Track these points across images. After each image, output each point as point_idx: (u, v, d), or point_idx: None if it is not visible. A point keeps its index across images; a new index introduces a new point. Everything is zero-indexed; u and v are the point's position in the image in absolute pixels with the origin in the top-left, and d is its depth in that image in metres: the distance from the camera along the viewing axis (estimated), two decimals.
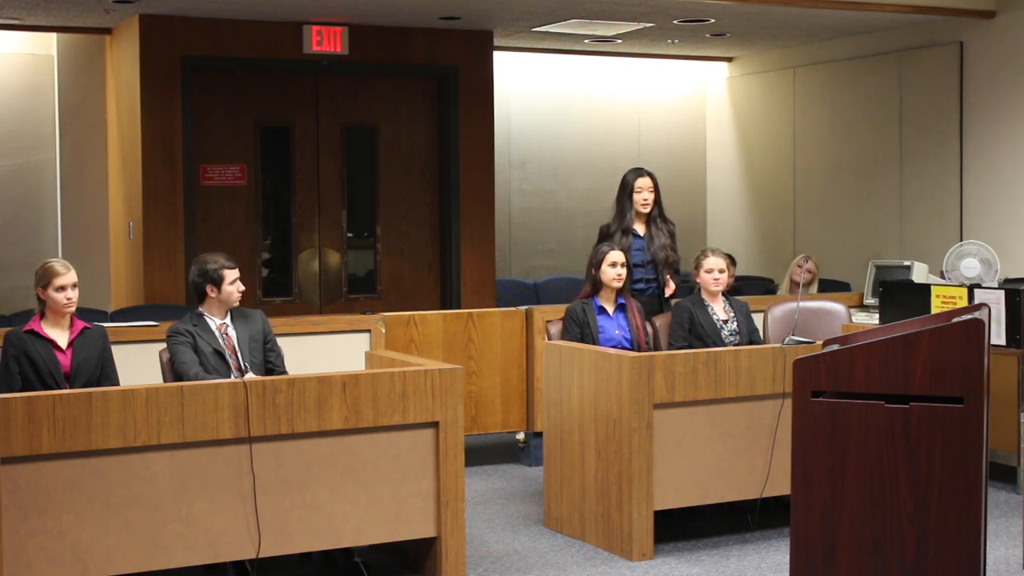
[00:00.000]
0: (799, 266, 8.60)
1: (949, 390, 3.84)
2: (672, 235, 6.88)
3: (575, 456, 5.89)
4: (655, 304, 6.77)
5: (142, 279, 8.88)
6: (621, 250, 6.38)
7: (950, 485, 3.84)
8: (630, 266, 6.54)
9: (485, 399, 7.46)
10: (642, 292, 6.76)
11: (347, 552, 5.36)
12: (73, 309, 5.26)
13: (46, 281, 5.19)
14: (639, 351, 6.16)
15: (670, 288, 6.79)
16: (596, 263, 6.28)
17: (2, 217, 9.64)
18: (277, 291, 9.54)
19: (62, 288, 5.20)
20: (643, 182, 6.80)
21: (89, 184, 9.80)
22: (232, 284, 5.44)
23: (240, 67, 9.23)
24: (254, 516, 4.86)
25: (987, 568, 4.53)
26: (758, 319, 6.86)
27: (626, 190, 6.82)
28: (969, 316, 3.98)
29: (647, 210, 6.81)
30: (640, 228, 6.83)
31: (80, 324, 5.31)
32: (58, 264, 5.24)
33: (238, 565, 5.12)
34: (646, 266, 6.79)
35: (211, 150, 9.23)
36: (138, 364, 6.05)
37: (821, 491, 3.96)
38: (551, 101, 11.42)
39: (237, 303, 5.49)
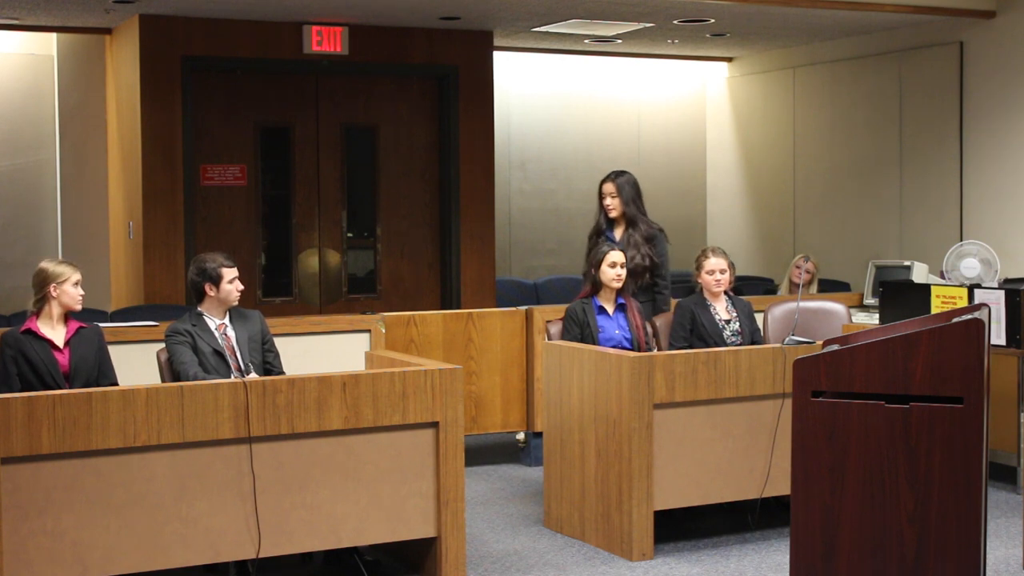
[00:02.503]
0: (797, 267, 8.60)
1: (949, 390, 3.84)
2: (650, 239, 6.71)
3: (575, 456, 5.89)
4: None
5: (142, 279, 8.88)
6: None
7: (950, 485, 3.84)
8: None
9: (485, 399, 7.46)
10: None
11: (352, 548, 5.35)
12: (82, 305, 5.30)
13: (62, 279, 5.22)
14: (639, 351, 6.16)
15: None
16: (596, 263, 6.27)
17: (2, 217, 9.64)
18: (277, 291, 9.54)
19: (77, 284, 5.24)
20: (605, 187, 6.81)
21: (89, 184, 9.79)
22: (231, 283, 5.43)
23: (240, 67, 9.23)
24: (254, 516, 4.86)
25: (987, 568, 4.53)
26: (758, 319, 6.86)
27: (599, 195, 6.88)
28: (969, 316, 3.98)
29: (612, 214, 6.78)
30: (618, 232, 6.79)
31: (75, 324, 5.32)
32: (64, 263, 5.29)
33: (239, 565, 5.12)
34: None
35: (211, 150, 9.22)
36: (138, 364, 6.05)
37: (821, 491, 3.96)
38: (551, 101, 11.41)
39: (236, 302, 5.48)
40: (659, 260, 6.72)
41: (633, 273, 6.58)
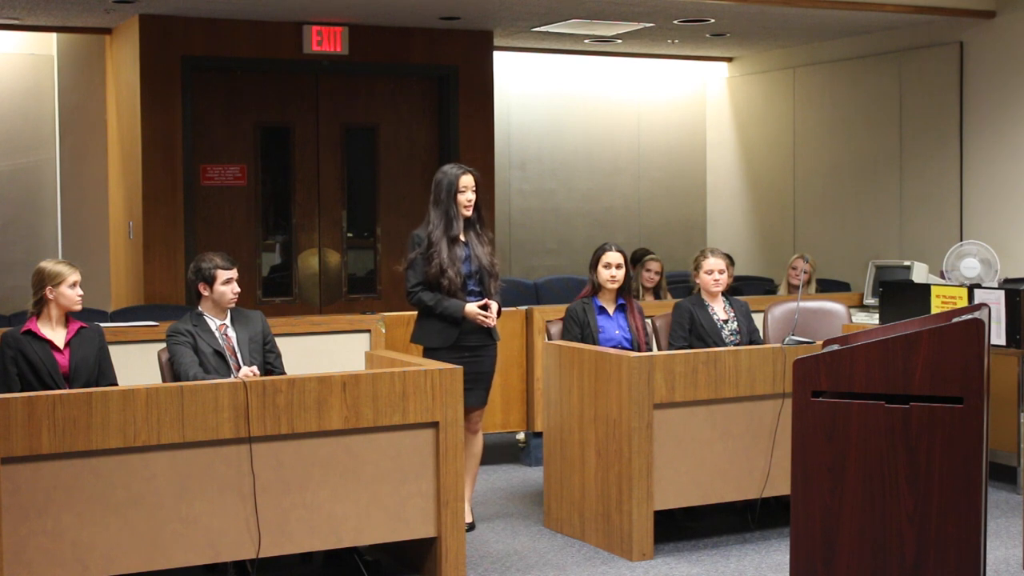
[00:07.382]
0: (793, 268, 8.60)
1: (949, 390, 3.84)
2: (492, 242, 6.07)
3: (575, 456, 5.89)
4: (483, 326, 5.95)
5: (142, 279, 8.88)
6: (454, 260, 5.84)
7: (950, 485, 3.84)
8: (454, 277, 5.86)
9: None
10: None
11: (352, 548, 5.35)
12: (81, 306, 5.29)
13: (59, 280, 5.20)
14: (639, 351, 6.15)
15: (492, 315, 5.89)
16: (593, 263, 6.26)
17: (2, 217, 9.64)
18: (277, 291, 9.54)
19: (75, 285, 5.22)
20: (468, 180, 5.93)
21: (89, 184, 9.80)
22: (226, 284, 5.38)
23: (240, 67, 9.23)
24: (254, 516, 4.86)
25: (987, 568, 4.53)
26: (758, 319, 6.86)
27: (449, 190, 5.91)
28: (969, 316, 3.98)
29: (470, 212, 5.95)
30: (461, 235, 5.97)
31: (76, 324, 5.31)
32: (63, 263, 5.27)
33: (238, 565, 5.12)
34: (474, 276, 5.97)
35: (211, 150, 9.23)
36: (138, 364, 6.05)
37: (821, 491, 3.96)
38: (551, 101, 11.42)
39: (231, 304, 5.42)
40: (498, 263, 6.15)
41: (492, 274, 5.99)
